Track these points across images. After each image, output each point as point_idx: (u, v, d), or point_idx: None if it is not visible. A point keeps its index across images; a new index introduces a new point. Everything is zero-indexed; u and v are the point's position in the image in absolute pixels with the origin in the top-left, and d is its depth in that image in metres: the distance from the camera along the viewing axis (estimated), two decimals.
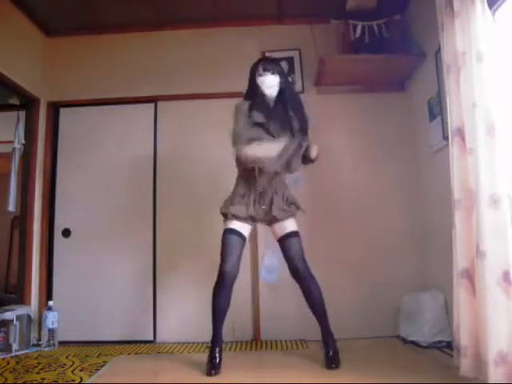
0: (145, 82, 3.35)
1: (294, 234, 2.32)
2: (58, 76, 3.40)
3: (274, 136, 2.25)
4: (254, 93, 2.33)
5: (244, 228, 2.31)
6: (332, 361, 2.19)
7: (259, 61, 2.41)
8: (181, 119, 3.31)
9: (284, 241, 2.31)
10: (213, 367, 2.18)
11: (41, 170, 3.29)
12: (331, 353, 2.21)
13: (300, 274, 2.27)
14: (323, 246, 3.08)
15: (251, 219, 2.32)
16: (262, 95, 2.30)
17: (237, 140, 2.23)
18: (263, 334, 3.01)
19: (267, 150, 2.20)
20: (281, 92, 2.32)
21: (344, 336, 2.87)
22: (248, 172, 2.30)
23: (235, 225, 2.29)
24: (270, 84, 2.30)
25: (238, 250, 2.27)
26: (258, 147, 2.19)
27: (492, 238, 1.73)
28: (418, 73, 3.02)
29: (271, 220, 2.34)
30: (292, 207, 2.35)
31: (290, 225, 2.33)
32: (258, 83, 2.31)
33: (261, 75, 2.31)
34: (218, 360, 2.21)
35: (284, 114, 2.29)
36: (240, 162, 2.32)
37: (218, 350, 2.24)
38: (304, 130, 2.30)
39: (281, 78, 2.33)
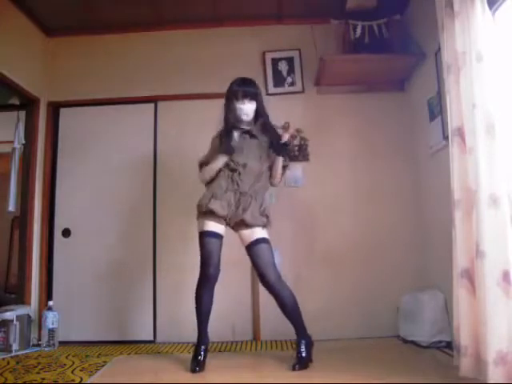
0: (145, 82, 3.35)
1: (263, 240, 2.28)
2: (58, 76, 3.40)
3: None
4: (231, 117, 2.35)
5: (219, 228, 2.31)
6: (298, 361, 2.19)
7: (238, 84, 2.37)
8: (181, 119, 3.31)
9: (252, 247, 2.27)
10: (197, 364, 2.22)
11: (41, 170, 3.30)
12: (300, 355, 2.22)
13: (271, 285, 2.24)
14: (322, 246, 3.09)
15: (224, 219, 2.30)
16: (239, 121, 2.35)
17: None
18: (263, 334, 3.01)
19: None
20: (256, 115, 2.39)
21: (344, 336, 2.89)
22: (232, 170, 2.33)
23: (210, 226, 2.29)
24: (248, 112, 2.35)
25: (218, 252, 2.29)
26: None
27: (492, 238, 1.73)
28: (418, 73, 3.02)
29: (240, 224, 2.30)
30: (264, 218, 2.31)
31: (260, 231, 2.29)
32: (236, 107, 2.34)
33: (239, 101, 2.33)
34: (202, 358, 2.25)
35: (258, 137, 2.36)
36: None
37: (202, 348, 2.28)
38: (279, 147, 2.34)
39: (257, 102, 2.37)
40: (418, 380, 1.94)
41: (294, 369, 2.16)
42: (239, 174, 2.31)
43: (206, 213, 2.30)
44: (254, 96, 2.36)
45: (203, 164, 2.43)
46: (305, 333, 2.29)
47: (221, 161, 2.32)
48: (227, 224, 2.35)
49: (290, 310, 2.27)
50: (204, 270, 2.28)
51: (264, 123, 2.40)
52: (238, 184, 2.31)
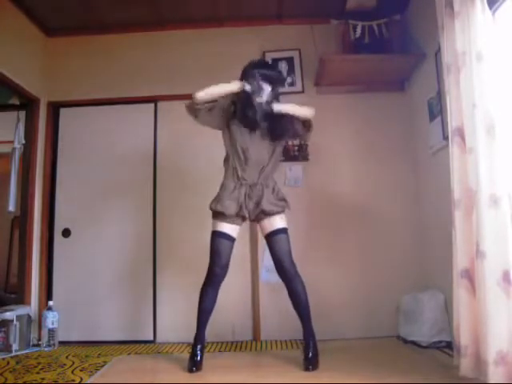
0: (145, 81, 3.35)
1: (283, 230, 2.31)
2: (58, 76, 3.40)
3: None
4: (243, 98, 2.30)
5: (232, 229, 2.32)
6: (310, 362, 2.19)
7: (256, 65, 2.36)
8: (181, 119, 3.30)
9: (272, 237, 2.30)
10: (194, 364, 2.22)
11: (41, 169, 3.30)
12: (311, 354, 2.22)
13: (286, 272, 2.28)
14: (323, 245, 3.08)
15: (240, 217, 2.31)
16: (251, 105, 2.29)
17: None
18: (263, 334, 3.01)
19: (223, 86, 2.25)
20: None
21: (344, 336, 2.89)
22: (236, 163, 2.32)
23: (224, 227, 2.29)
24: (264, 94, 2.31)
25: (228, 253, 2.30)
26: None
27: (492, 238, 1.73)
28: (418, 73, 3.02)
29: (260, 215, 2.32)
30: (282, 202, 2.35)
31: (279, 221, 2.32)
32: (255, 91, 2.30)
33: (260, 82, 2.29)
34: (199, 358, 2.25)
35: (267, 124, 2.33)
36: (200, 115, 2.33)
37: (199, 347, 2.28)
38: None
39: (272, 86, 2.34)
40: (418, 380, 1.94)
41: (308, 369, 2.16)
42: (243, 167, 2.31)
43: (217, 215, 2.31)
44: (272, 78, 2.32)
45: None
46: (312, 332, 2.30)
47: (233, 85, 2.26)
48: (247, 219, 2.35)
49: (302, 304, 2.28)
50: (210, 269, 2.29)
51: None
52: (244, 178, 2.31)
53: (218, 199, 2.32)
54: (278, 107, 2.31)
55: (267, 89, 2.32)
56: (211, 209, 2.33)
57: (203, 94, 2.24)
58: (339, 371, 2.12)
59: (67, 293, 3.14)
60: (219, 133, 2.46)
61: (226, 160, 2.41)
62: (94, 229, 3.22)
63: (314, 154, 3.22)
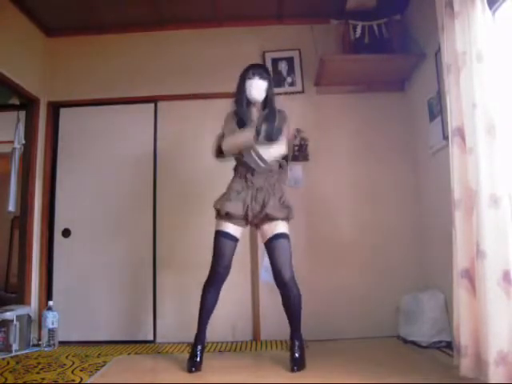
0: (145, 81, 3.35)
1: (284, 235, 2.27)
2: (58, 76, 3.40)
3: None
4: (240, 98, 2.38)
5: (236, 230, 2.31)
6: (295, 363, 2.19)
7: (250, 66, 2.43)
8: (181, 119, 3.31)
9: (272, 242, 2.26)
10: (193, 365, 2.21)
11: (41, 170, 3.30)
12: (296, 355, 2.22)
13: (283, 279, 2.23)
14: (322, 246, 3.08)
15: (244, 219, 2.30)
16: (248, 101, 2.37)
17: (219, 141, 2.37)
18: (263, 334, 3.01)
19: (243, 135, 2.25)
20: (266, 99, 2.39)
21: (344, 336, 2.89)
22: (245, 168, 2.31)
23: (228, 227, 2.28)
24: (257, 87, 2.35)
25: (231, 253, 2.29)
26: (233, 136, 2.29)
27: (492, 238, 1.73)
28: (418, 73, 3.02)
29: (263, 219, 2.29)
30: (286, 210, 2.31)
31: (281, 227, 2.28)
32: (245, 87, 2.36)
33: (250, 78, 2.35)
34: (198, 358, 2.24)
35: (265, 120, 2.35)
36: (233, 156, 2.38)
37: (199, 348, 2.27)
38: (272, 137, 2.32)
39: (269, 85, 2.38)
40: (418, 380, 1.94)
41: (293, 370, 2.16)
42: (253, 172, 2.29)
43: (222, 215, 2.30)
44: (265, 76, 2.37)
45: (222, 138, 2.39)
46: (299, 334, 2.30)
47: (247, 135, 2.23)
48: (250, 223, 2.34)
49: (293, 312, 2.27)
50: (213, 268, 2.28)
51: (269, 112, 2.37)
52: (251, 181, 2.30)
53: (224, 199, 2.31)
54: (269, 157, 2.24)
55: (262, 83, 2.36)
56: (216, 208, 2.32)
57: (228, 148, 2.31)
58: (339, 371, 2.12)
59: (67, 293, 3.14)
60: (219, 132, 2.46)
61: (235, 168, 2.43)
62: (94, 229, 3.22)
63: (314, 154, 3.22)
